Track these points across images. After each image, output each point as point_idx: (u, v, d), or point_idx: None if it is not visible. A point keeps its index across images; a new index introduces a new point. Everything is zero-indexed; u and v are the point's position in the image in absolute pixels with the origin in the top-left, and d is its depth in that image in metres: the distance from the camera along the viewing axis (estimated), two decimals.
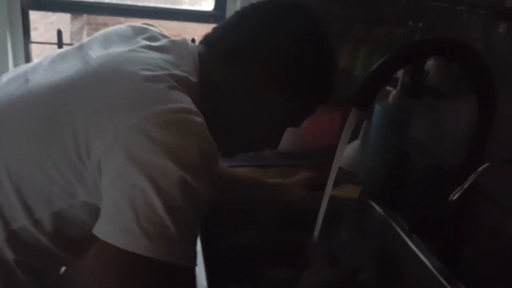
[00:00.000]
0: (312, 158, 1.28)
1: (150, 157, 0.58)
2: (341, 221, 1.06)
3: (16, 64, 1.55)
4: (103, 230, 0.60)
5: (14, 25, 1.51)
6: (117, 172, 0.59)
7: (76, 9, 2.09)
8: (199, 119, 0.64)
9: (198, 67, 0.75)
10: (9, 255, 0.68)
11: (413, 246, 0.91)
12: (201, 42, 0.82)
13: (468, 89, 0.91)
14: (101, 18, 4.94)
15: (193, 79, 0.72)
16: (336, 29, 0.86)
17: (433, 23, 1.04)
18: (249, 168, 1.21)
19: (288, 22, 0.78)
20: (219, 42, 0.79)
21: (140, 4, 1.63)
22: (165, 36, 0.81)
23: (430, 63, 0.98)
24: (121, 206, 0.58)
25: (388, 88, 1.06)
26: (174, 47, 0.76)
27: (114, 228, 0.59)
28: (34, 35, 1.67)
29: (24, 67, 0.80)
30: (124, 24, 0.84)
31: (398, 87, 1.03)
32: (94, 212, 0.64)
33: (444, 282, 0.82)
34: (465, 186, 0.75)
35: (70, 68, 0.71)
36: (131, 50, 0.72)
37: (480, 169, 0.74)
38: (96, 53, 0.73)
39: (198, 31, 0.83)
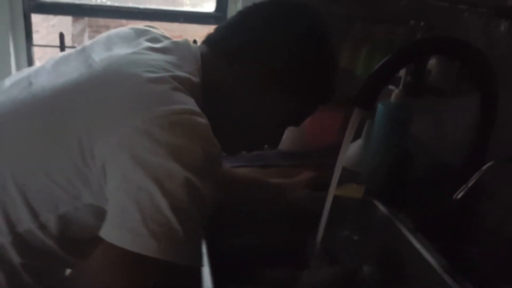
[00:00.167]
0: (314, 158, 1.28)
1: (155, 159, 0.59)
2: (345, 221, 1.06)
3: (18, 67, 1.55)
4: (109, 232, 0.60)
5: (16, 29, 1.51)
6: (122, 174, 0.60)
7: (77, 12, 2.10)
8: (203, 120, 0.64)
9: (201, 67, 0.75)
10: (15, 258, 0.68)
11: (417, 245, 0.91)
12: (203, 42, 0.82)
13: (470, 88, 0.91)
14: (102, 21, 4.94)
15: (196, 79, 0.72)
16: (337, 29, 0.86)
17: (434, 22, 1.04)
18: (251, 169, 1.21)
19: (289, 22, 0.78)
20: (221, 42, 0.80)
21: (141, 6, 1.63)
22: (166, 38, 0.81)
23: (432, 62, 0.98)
24: (127, 208, 0.59)
25: (390, 87, 1.06)
26: (176, 48, 0.76)
27: (121, 230, 0.59)
28: (35, 38, 1.67)
29: (27, 70, 0.80)
30: (126, 27, 0.84)
31: (401, 86, 1.03)
32: (100, 214, 0.65)
33: (449, 280, 0.82)
34: (469, 185, 0.75)
35: (73, 71, 0.71)
36: (133, 53, 0.73)
37: (484, 167, 0.74)
38: (99, 56, 0.74)
39: (198, 33, 0.83)
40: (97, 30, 4.84)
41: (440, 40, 0.82)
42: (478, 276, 0.82)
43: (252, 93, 0.78)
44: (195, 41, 1.34)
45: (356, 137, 1.10)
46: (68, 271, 0.83)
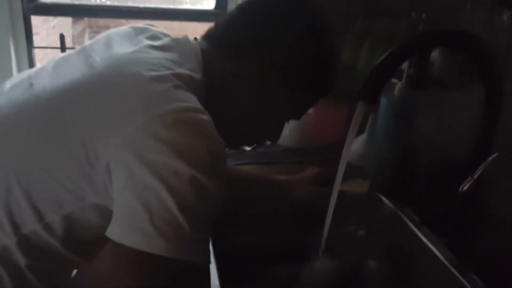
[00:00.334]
0: (319, 154, 1.27)
1: (160, 158, 0.58)
2: (351, 216, 1.06)
3: (20, 70, 1.55)
4: (117, 232, 0.60)
5: (17, 31, 1.51)
6: (128, 174, 0.60)
7: (77, 13, 2.11)
8: (206, 117, 0.64)
9: (202, 63, 0.75)
10: (21, 259, 0.68)
11: (424, 239, 0.90)
12: (203, 38, 0.81)
13: (474, 79, 0.91)
14: (102, 21, 4.95)
15: (197, 76, 0.72)
16: (338, 22, 0.85)
17: (436, 14, 1.04)
18: (256, 166, 1.21)
19: (290, 18, 0.77)
20: (221, 38, 0.79)
21: (141, 5, 1.63)
22: (166, 35, 0.81)
23: (434, 55, 0.97)
24: (134, 208, 0.59)
25: (393, 80, 1.05)
26: (176, 45, 0.76)
27: (129, 230, 0.59)
28: (36, 40, 1.68)
29: (27, 72, 0.80)
30: (125, 26, 0.84)
31: (404, 79, 1.03)
32: (105, 215, 0.65)
33: (456, 273, 0.81)
34: (475, 177, 0.74)
35: (74, 71, 0.71)
36: (134, 51, 0.72)
37: (489, 159, 0.73)
38: (100, 56, 0.73)
39: (199, 31, 0.82)
40: (97, 31, 4.85)
41: (443, 32, 0.82)
42: (484, 269, 0.82)
43: (253, 88, 0.78)
44: (195, 39, 1.34)
45: (359, 132, 1.09)
46: (74, 273, 0.83)
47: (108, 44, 0.77)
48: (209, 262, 0.64)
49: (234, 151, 1.25)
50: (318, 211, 0.89)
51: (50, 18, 3.63)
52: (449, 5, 1.01)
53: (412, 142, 1.06)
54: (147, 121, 0.60)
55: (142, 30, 0.81)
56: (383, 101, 1.06)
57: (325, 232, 0.88)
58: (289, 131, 1.31)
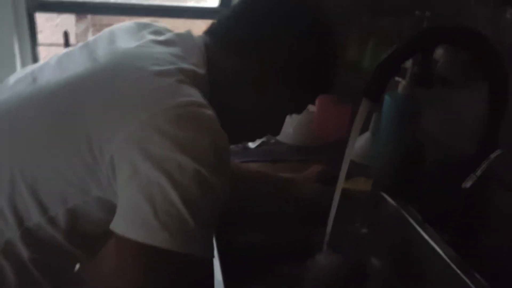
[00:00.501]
0: (323, 153, 1.28)
1: (164, 152, 0.59)
2: (354, 214, 1.05)
3: (23, 67, 1.56)
4: (122, 226, 0.60)
5: (21, 29, 1.52)
6: (132, 169, 0.60)
7: (81, 10, 2.10)
8: (210, 112, 0.64)
9: (205, 58, 0.75)
10: (24, 252, 0.68)
11: (426, 236, 0.90)
12: (206, 33, 0.81)
13: (478, 76, 0.90)
14: (105, 19, 4.95)
15: (201, 71, 0.72)
16: (342, 21, 0.85)
17: (440, 12, 1.03)
18: (260, 164, 1.21)
19: (292, 13, 0.77)
20: (225, 34, 0.79)
21: (145, 2, 1.63)
22: (169, 30, 0.81)
23: (439, 52, 0.97)
24: (138, 202, 0.59)
25: (397, 79, 1.05)
26: (180, 40, 0.76)
27: (133, 224, 0.59)
28: (39, 38, 1.68)
29: (31, 67, 0.80)
30: (129, 22, 0.84)
31: (408, 77, 1.03)
32: (108, 208, 0.65)
33: (459, 272, 0.81)
34: (477, 173, 0.74)
35: (77, 66, 0.71)
36: (138, 46, 0.72)
37: (492, 156, 0.73)
38: (103, 51, 0.74)
39: (203, 29, 0.82)
40: (100, 29, 4.81)
41: (447, 29, 0.81)
42: (487, 267, 0.82)
43: (256, 83, 0.78)
44: None
45: (363, 130, 1.09)
46: (77, 267, 0.83)
47: (112, 39, 0.77)
48: (212, 256, 0.64)
49: (239, 148, 1.25)
50: (321, 209, 0.89)
51: (54, 16, 3.64)
52: (453, 3, 1.00)
53: (416, 140, 1.06)
54: (151, 115, 0.60)
55: (145, 26, 0.81)
56: (387, 99, 1.06)
57: (328, 229, 0.88)
58: (293, 129, 1.31)
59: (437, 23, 1.02)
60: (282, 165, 1.22)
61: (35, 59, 1.58)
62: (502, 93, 0.80)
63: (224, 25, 0.80)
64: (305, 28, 0.77)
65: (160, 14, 1.65)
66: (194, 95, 0.65)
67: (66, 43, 1.55)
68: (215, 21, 0.82)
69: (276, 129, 0.88)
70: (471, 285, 0.79)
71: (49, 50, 3.03)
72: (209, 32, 0.81)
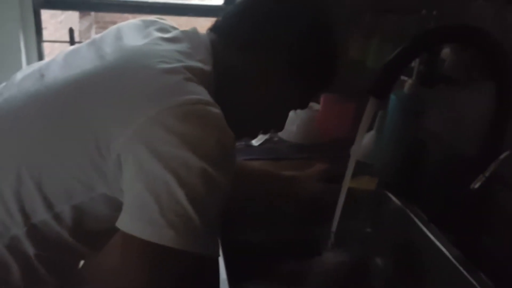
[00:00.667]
0: (326, 151, 1.27)
1: (171, 150, 0.59)
2: (358, 213, 1.05)
3: (29, 63, 1.56)
4: (127, 223, 0.61)
5: (27, 25, 1.52)
6: (139, 166, 0.60)
7: (86, 7, 2.11)
8: (217, 110, 0.64)
9: (211, 55, 0.75)
10: (30, 249, 0.69)
11: (431, 236, 0.90)
12: (211, 30, 0.81)
13: (484, 76, 0.90)
14: (109, 17, 4.96)
15: (207, 68, 0.72)
16: (346, 20, 0.85)
17: (446, 11, 1.03)
18: (264, 162, 1.21)
19: (296, 10, 0.77)
20: (230, 30, 0.79)
21: (149, 0, 1.63)
22: (174, 28, 0.81)
23: (445, 51, 0.97)
24: (145, 199, 0.59)
25: (402, 78, 1.05)
26: (186, 37, 0.76)
27: (139, 221, 0.60)
28: (44, 35, 1.68)
29: (38, 64, 0.80)
30: (135, 19, 0.84)
31: (414, 76, 1.02)
32: (114, 205, 0.65)
33: (464, 271, 0.81)
34: (486, 175, 0.74)
35: (85, 63, 0.71)
36: (145, 44, 0.73)
37: (501, 157, 0.73)
38: (110, 48, 0.74)
39: (206, 27, 0.82)
40: (103, 26, 4.86)
41: (454, 28, 0.81)
42: (491, 267, 0.81)
43: (262, 80, 0.78)
44: None
45: (367, 129, 1.09)
46: (81, 263, 0.83)
47: (119, 36, 0.77)
48: (217, 254, 0.64)
49: (242, 146, 1.25)
50: (325, 207, 0.89)
51: (58, 13, 3.65)
52: (459, 2, 1.00)
53: (421, 140, 1.06)
54: (158, 113, 0.60)
55: (151, 23, 0.81)
56: (392, 98, 1.06)
57: (333, 229, 0.88)
58: (296, 127, 1.31)
59: (444, 22, 1.02)
60: (285, 163, 1.22)
61: (40, 55, 1.59)
62: (508, 92, 0.80)
63: (228, 22, 0.80)
64: (305, 27, 0.78)
65: (164, 12, 1.64)
66: (201, 93, 0.65)
67: (72, 40, 1.55)
68: (219, 18, 0.82)
69: (280, 125, 0.88)
70: (476, 285, 0.79)
71: (53, 46, 3.04)
72: (214, 29, 0.81)
